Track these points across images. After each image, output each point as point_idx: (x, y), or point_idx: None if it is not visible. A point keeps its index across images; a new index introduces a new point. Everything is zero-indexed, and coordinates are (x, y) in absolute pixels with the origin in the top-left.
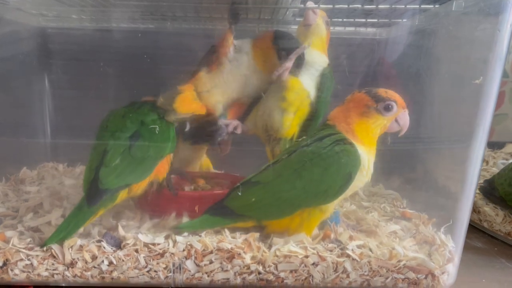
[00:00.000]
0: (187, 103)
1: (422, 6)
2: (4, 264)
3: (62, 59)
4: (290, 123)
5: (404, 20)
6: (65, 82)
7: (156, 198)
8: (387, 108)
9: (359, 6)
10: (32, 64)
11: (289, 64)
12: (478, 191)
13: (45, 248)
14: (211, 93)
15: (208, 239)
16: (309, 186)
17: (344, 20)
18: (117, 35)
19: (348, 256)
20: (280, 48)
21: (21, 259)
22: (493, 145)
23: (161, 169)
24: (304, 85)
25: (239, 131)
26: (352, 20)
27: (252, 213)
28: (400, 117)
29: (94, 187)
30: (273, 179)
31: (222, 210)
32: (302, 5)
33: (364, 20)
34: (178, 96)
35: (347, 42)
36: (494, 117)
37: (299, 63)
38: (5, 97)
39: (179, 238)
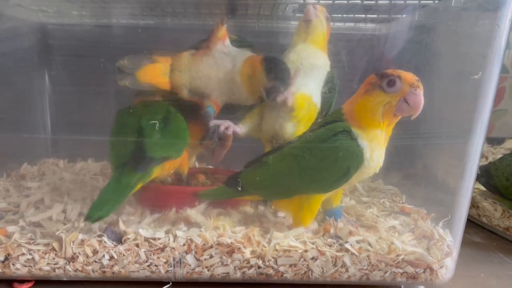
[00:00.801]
0: (153, 75)
1: (421, 1)
2: (6, 258)
3: (63, 55)
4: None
5: (404, 15)
6: (65, 78)
7: (156, 193)
8: (390, 83)
9: (359, 1)
10: (33, 60)
11: (292, 89)
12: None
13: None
14: (183, 74)
15: (208, 234)
16: (305, 174)
17: (344, 15)
18: (117, 31)
19: (347, 250)
20: (270, 72)
21: (23, 254)
22: (493, 140)
23: (183, 162)
24: (313, 97)
25: (230, 131)
26: (352, 15)
27: (256, 191)
28: (408, 95)
29: (140, 156)
30: (275, 162)
31: (235, 183)
32: (302, 1)
33: (363, 15)
34: (147, 64)
35: (346, 38)
36: (494, 113)
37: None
38: (6, 93)
39: (179, 233)
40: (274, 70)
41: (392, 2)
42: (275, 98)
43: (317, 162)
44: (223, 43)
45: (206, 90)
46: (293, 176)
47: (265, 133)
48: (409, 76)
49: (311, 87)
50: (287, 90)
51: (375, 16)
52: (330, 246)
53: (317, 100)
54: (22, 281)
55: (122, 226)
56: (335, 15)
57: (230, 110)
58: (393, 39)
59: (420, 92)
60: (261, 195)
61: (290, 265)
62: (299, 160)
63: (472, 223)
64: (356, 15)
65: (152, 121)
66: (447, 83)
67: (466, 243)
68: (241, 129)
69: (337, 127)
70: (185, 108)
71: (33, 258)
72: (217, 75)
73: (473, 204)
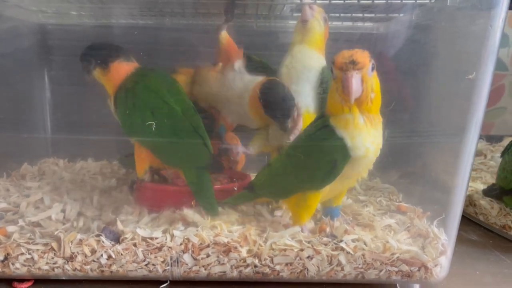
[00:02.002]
0: None
1: (418, 1)
2: (6, 258)
3: (62, 55)
4: None
5: (402, 14)
6: (65, 78)
7: (154, 193)
8: (331, 70)
9: (355, 1)
10: (32, 60)
11: (299, 126)
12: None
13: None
14: (201, 88)
15: (205, 233)
16: (297, 172)
17: (341, 15)
18: (116, 31)
19: (343, 249)
20: (267, 108)
21: (22, 253)
22: (492, 138)
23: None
24: (309, 106)
25: (239, 157)
26: (350, 15)
27: (262, 192)
28: (342, 80)
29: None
30: (274, 163)
31: (250, 187)
32: (299, 0)
33: (361, 15)
34: (172, 73)
35: (344, 37)
36: (493, 111)
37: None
38: (6, 93)
39: (176, 232)
40: (273, 107)
41: (388, 1)
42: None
43: (306, 159)
44: (237, 63)
45: (218, 107)
46: (288, 175)
47: (272, 146)
48: (339, 60)
49: (306, 93)
50: (296, 127)
51: (373, 15)
52: (325, 245)
53: (312, 105)
54: (21, 280)
55: (120, 226)
56: (333, 15)
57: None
58: (391, 38)
59: (351, 74)
60: (267, 196)
61: (286, 264)
62: (291, 159)
63: (469, 221)
64: (353, 15)
65: (149, 122)
66: (443, 82)
67: (462, 241)
68: (251, 150)
69: (320, 123)
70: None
71: (32, 258)
72: (227, 96)
73: (470, 202)
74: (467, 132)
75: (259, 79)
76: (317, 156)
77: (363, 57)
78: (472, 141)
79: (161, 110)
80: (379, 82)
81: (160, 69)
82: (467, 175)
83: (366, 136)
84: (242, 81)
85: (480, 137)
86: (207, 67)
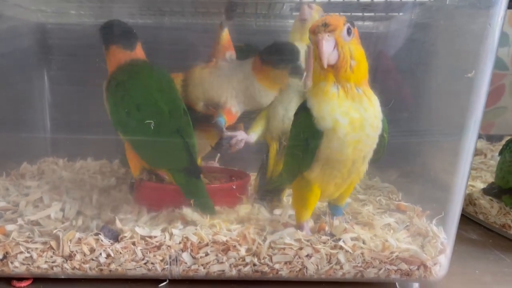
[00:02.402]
0: None
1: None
2: (4, 257)
3: (62, 54)
4: None
5: (401, 13)
6: (65, 77)
7: (153, 191)
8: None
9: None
10: (32, 60)
11: (310, 69)
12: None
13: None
14: (197, 88)
15: (203, 232)
16: (287, 151)
17: (341, 14)
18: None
19: (342, 248)
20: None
21: (21, 252)
22: (492, 138)
23: None
24: None
25: (242, 144)
26: (349, 14)
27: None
28: (316, 44)
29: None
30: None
31: None
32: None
33: (361, 14)
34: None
35: None
36: (494, 110)
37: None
38: (5, 93)
39: (175, 231)
40: (278, 55)
41: (388, 0)
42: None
43: (290, 137)
44: (229, 53)
45: (221, 101)
46: (285, 160)
47: (273, 132)
48: (313, 24)
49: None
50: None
51: (372, 14)
52: (324, 243)
53: None
54: (20, 279)
55: (118, 225)
56: (332, 14)
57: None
58: (391, 37)
59: (323, 37)
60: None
61: (285, 263)
62: (288, 144)
63: (469, 220)
64: (353, 13)
65: (148, 121)
66: (442, 80)
67: (462, 240)
68: (252, 137)
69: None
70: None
71: (31, 256)
72: (231, 85)
73: (470, 201)
74: (466, 130)
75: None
76: (294, 132)
77: (336, 19)
78: (471, 139)
79: (147, 107)
80: (364, 55)
81: (159, 66)
82: (466, 173)
83: (335, 107)
84: (239, 65)
85: (480, 137)
86: (199, 66)
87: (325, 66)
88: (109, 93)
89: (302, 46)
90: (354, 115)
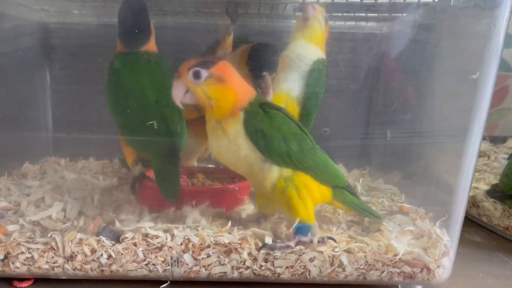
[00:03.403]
0: None
1: (421, 0)
2: (6, 257)
3: (64, 54)
4: None
5: (405, 14)
6: (67, 77)
7: (155, 192)
8: None
9: (359, 0)
10: (34, 59)
11: (268, 82)
12: (485, 191)
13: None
14: None
15: (205, 233)
16: None
17: (344, 14)
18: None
19: (344, 250)
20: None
21: (22, 252)
22: (495, 139)
23: None
24: (291, 92)
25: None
26: (353, 14)
27: None
28: None
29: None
30: None
31: None
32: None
33: (364, 14)
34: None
35: (347, 37)
36: (497, 112)
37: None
38: (8, 92)
39: (177, 232)
40: (257, 58)
41: (392, 1)
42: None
43: None
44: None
45: None
46: None
47: None
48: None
49: (293, 79)
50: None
51: (376, 15)
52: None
53: (296, 90)
54: (21, 279)
55: (118, 225)
56: (336, 14)
57: None
58: (394, 38)
59: (173, 83)
60: None
61: (287, 267)
62: None
63: (472, 223)
64: (356, 14)
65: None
66: (446, 82)
67: (465, 242)
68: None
69: None
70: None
71: (32, 257)
72: None
73: (474, 204)
74: (470, 132)
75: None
76: None
77: (183, 66)
78: (475, 141)
79: (134, 93)
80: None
81: (159, 59)
82: (470, 175)
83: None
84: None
85: (484, 138)
86: None
87: (180, 106)
88: (108, 79)
89: (300, 41)
90: (215, 144)
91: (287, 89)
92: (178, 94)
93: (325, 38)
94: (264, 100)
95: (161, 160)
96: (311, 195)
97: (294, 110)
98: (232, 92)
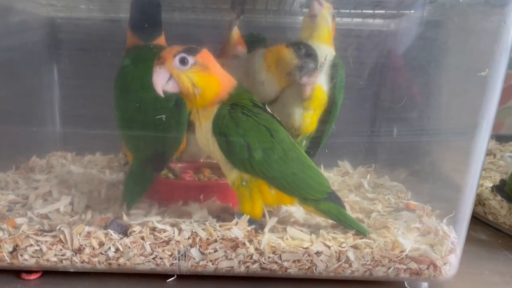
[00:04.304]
0: None
1: None
2: (14, 249)
3: (71, 49)
4: (310, 120)
5: (413, 11)
6: (74, 71)
7: (163, 186)
8: None
9: None
10: (41, 54)
11: (316, 77)
12: (491, 188)
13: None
14: None
15: (212, 228)
16: None
17: (352, 11)
18: (125, 25)
19: (351, 246)
20: (300, 50)
21: (31, 245)
22: (501, 138)
23: None
24: (323, 86)
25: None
26: (360, 11)
27: None
28: None
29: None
30: None
31: None
32: None
33: (371, 11)
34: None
35: (354, 34)
36: (503, 110)
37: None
38: (15, 87)
39: (184, 226)
40: (303, 49)
41: None
42: (309, 74)
43: None
44: (241, 48)
45: None
46: None
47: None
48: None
49: (321, 78)
50: (316, 72)
51: (383, 11)
52: (333, 239)
53: (325, 86)
54: (30, 271)
55: (125, 219)
56: (343, 11)
57: None
58: (402, 35)
59: (155, 69)
60: None
61: (294, 261)
62: None
63: (478, 221)
64: (364, 11)
65: (159, 116)
66: (454, 79)
67: (471, 240)
68: None
69: None
70: None
71: (40, 249)
72: (240, 79)
73: (480, 202)
74: (479, 130)
75: (259, 50)
76: None
77: (167, 51)
78: (483, 139)
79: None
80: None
81: None
82: (478, 173)
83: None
84: (248, 58)
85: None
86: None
87: (161, 94)
88: (119, 71)
89: (312, 42)
90: (197, 132)
91: (321, 84)
92: (160, 81)
93: (332, 35)
94: (242, 97)
95: (142, 164)
96: (264, 198)
97: (324, 106)
98: (216, 81)
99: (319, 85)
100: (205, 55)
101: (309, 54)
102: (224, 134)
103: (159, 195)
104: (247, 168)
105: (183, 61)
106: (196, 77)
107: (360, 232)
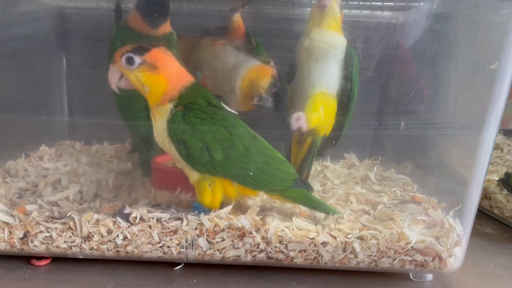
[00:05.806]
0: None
1: None
2: (25, 235)
3: (80, 38)
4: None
5: (422, 3)
6: (83, 61)
7: (170, 176)
8: None
9: None
10: (51, 43)
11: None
12: (496, 181)
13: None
14: (199, 55)
15: (219, 218)
16: None
17: (360, 3)
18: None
19: (357, 237)
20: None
21: (41, 231)
22: (509, 132)
23: None
24: (330, 90)
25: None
26: (369, 3)
27: None
28: None
29: None
30: None
31: None
32: None
33: (380, 3)
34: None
35: (363, 26)
36: (511, 105)
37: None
38: (25, 76)
39: (191, 217)
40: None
41: None
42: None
43: None
44: (238, 42)
45: (210, 77)
46: None
47: None
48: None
49: (330, 72)
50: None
51: (392, 4)
52: (339, 230)
53: (334, 85)
54: (39, 257)
55: (129, 210)
56: (351, 3)
57: None
58: (410, 27)
59: (110, 67)
60: None
61: (300, 251)
62: None
63: (484, 214)
64: (372, 3)
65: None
66: (462, 73)
67: (477, 234)
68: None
69: None
70: None
71: (50, 236)
72: (219, 69)
73: (486, 196)
74: (487, 124)
75: (251, 61)
76: None
77: (119, 51)
78: (491, 133)
79: None
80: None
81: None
82: (485, 167)
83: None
84: (237, 58)
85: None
86: (209, 39)
87: (116, 90)
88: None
89: (320, 31)
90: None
91: (325, 86)
92: (113, 79)
93: (340, 25)
94: (195, 96)
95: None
96: (227, 192)
97: (333, 105)
98: (163, 81)
99: (319, 94)
100: (155, 55)
101: (276, 97)
102: (182, 140)
103: (166, 184)
104: (210, 170)
105: (129, 61)
106: (142, 77)
107: (327, 213)
